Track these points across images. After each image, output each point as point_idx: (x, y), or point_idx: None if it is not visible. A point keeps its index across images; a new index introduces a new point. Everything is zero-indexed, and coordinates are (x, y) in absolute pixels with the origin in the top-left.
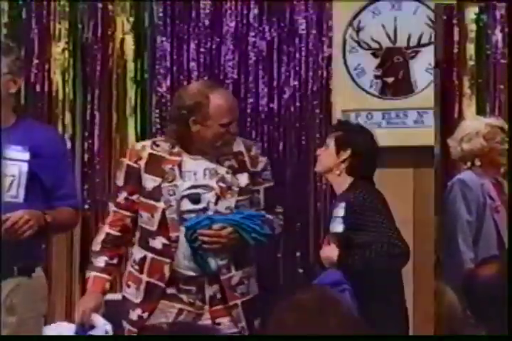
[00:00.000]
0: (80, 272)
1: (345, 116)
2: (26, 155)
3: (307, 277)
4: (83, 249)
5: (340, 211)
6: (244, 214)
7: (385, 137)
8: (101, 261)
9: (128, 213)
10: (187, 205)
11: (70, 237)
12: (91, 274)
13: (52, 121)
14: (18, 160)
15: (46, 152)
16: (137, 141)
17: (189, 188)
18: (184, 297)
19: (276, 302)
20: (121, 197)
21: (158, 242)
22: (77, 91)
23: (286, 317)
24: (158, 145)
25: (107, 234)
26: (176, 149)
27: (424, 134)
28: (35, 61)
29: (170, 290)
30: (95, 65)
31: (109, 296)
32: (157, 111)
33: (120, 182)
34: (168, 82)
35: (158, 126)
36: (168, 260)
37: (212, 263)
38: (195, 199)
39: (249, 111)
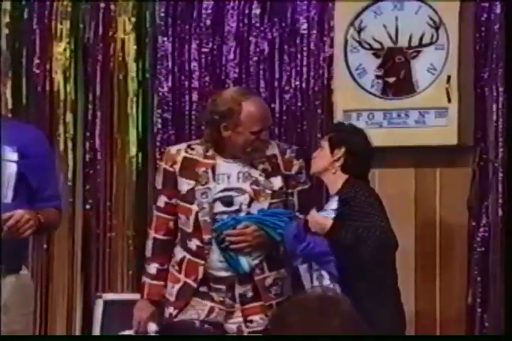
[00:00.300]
0: (82, 272)
1: (347, 116)
2: (15, 156)
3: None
4: (84, 249)
5: (333, 204)
6: (269, 212)
7: (386, 137)
8: (152, 268)
9: (169, 216)
10: (219, 207)
11: (71, 237)
12: (145, 281)
13: (53, 120)
14: (7, 160)
15: (34, 152)
16: (138, 141)
17: (222, 191)
18: (215, 295)
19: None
20: (161, 201)
21: (193, 244)
22: (79, 91)
23: (288, 317)
24: (193, 149)
25: (154, 239)
26: (210, 152)
27: (425, 134)
28: (37, 61)
29: (202, 289)
30: (97, 65)
31: (110, 296)
32: (159, 111)
33: (159, 185)
34: (170, 82)
35: (160, 126)
36: (201, 261)
37: (245, 263)
38: (227, 201)
39: None
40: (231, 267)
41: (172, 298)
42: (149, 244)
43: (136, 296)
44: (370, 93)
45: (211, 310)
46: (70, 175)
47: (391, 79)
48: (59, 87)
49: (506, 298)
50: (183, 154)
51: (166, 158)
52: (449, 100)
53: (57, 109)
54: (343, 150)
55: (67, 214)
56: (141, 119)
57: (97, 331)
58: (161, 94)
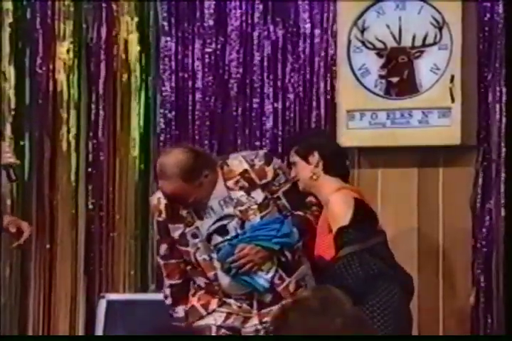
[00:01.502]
0: (85, 272)
1: (350, 115)
2: None
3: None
4: (87, 249)
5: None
6: (257, 226)
7: (389, 137)
8: (180, 312)
9: (178, 260)
10: (217, 239)
11: (74, 237)
12: (176, 324)
13: (56, 120)
14: None
15: None
16: (141, 140)
17: (212, 224)
18: (233, 302)
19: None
20: (163, 249)
21: (201, 281)
22: (82, 91)
23: (290, 317)
24: None
25: (171, 285)
26: None
27: (428, 134)
28: (40, 61)
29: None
30: (100, 65)
31: (113, 297)
32: (161, 111)
33: (157, 236)
34: (173, 82)
35: (163, 126)
36: (215, 296)
37: (262, 280)
38: (222, 231)
39: (254, 111)
40: (252, 288)
41: (178, 315)
42: (166, 292)
43: (139, 296)
44: (374, 93)
45: (228, 317)
46: (73, 175)
47: (394, 79)
48: (62, 86)
49: (509, 297)
50: (163, 202)
51: (152, 210)
52: (453, 100)
53: (60, 108)
54: (316, 155)
55: (70, 214)
56: (144, 119)
57: (99, 331)
58: (164, 94)
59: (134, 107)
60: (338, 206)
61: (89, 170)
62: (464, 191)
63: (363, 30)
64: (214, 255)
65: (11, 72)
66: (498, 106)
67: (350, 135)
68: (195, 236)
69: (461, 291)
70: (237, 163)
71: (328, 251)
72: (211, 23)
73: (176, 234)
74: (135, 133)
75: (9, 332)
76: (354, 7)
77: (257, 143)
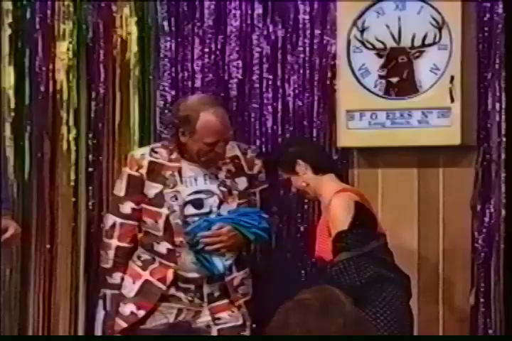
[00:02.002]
0: (85, 272)
1: (350, 116)
2: None
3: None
4: (87, 249)
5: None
6: (241, 212)
7: (389, 137)
8: (117, 278)
9: (135, 223)
10: (190, 210)
11: (74, 236)
12: (107, 292)
13: (56, 120)
14: None
15: None
16: (141, 140)
17: (191, 194)
18: (182, 295)
19: (281, 303)
20: (127, 207)
21: (162, 247)
22: (82, 90)
23: (290, 317)
24: (156, 152)
25: (118, 248)
26: (175, 156)
27: (428, 134)
28: (40, 61)
29: (169, 291)
30: (99, 65)
31: None
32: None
33: (122, 192)
34: (173, 82)
35: (163, 126)
36: (172, 264)
37: (219, 264)
38: (198, 204)
39: (253, 111)
40: (206, 269)
41: (131, 294)
42: (110, 254)
43: None
44: (373, 93)
45: (179, 312)
46: (72, 175)
47: (394, 79)
48: (62, 86)
49: (509, 297)
50: (148, 158)
51: (130, 163)
52: (452, 100)
53: (60, 108)
54: (300, 162)
55: (70, 213)
56: (144, 120)
57: (99, 331)
58: (163, 94)
59: (134, 107)
60: (338, 209)
61: (89, 170)
62: (464, 191)
63: (362, 31)
64: (187, 223)
65: (10, 72)
66: (498, 106)
67: (350, 135)
68: (175, 198)
69: (460, 291)
70: (230, 147)
71: (328, 254)
72: (210, 23)
73: (151, 193)
74: (135, 133)
75: (9, 332)
76: (354, 7)
77: (257, 143)
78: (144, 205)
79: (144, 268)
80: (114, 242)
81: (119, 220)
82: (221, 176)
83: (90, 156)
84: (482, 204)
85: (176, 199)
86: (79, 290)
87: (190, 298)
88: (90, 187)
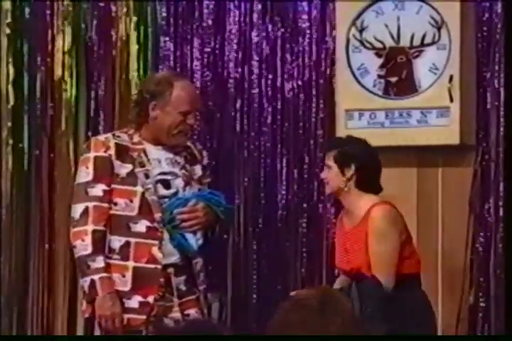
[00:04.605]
0: None
1: (349, 115)
2: None
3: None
4: None
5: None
6: (210, 191)
7: (388, 137)
8: (100, 262)
9: (108, 205)
10: (161, 190)
11: None
12: (94, 277)
13: (55, 120)
14: None
15: None
16: None
17: (159, 174)
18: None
19: (280, 302)
20: (98, 190)
21: (141, 226)
22: (81, 90)
23: (289, 316)
24: (119, 137)
25: (94, 231)
26: (136, 139)
27: (427, 134)
28: (39, 60)
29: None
30: (98, 65)
31: None
32: None
33: (90, 176)
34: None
35: None
36: (155, 241)
37: (193, 242)
38: (166, 184)
39: (252, 110)
40: (182, 247)
41: (127, 288)
42: (87, 240)
43: None
44: (372, 92)
45: (152, 309)
46: (72, 175)
47: (393, 79)
48: (61, 86)
49: (508, 297)
50: (113, 141)
51: (95, 146)
52: (451, 100)
53: (58, 108)
54: (353, 167)
55: (69, 213)
56: None
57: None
58: None
59: (133, 106)
60: (382, 224)
61: None
62: (463, 190)
63: (361, 30)
64: (162, 199)
65: (9, 71)
66: (496, 105)
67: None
68: (147, 176)
69: (460, 291)
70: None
71: (369, 267)
72: (210, 22)
73: (122, 172)
74: None
75: (8, 332)
76: (353, 7)
77: (256, 142)
78: (115, 186)
79: (124, 258)
80: (90, 227)
81: (91, 204)
82: (181, 161)
83: None
84: (481, 203)
85: (148, 177)
86: (78, 290)
87: (160, 294)
88: None
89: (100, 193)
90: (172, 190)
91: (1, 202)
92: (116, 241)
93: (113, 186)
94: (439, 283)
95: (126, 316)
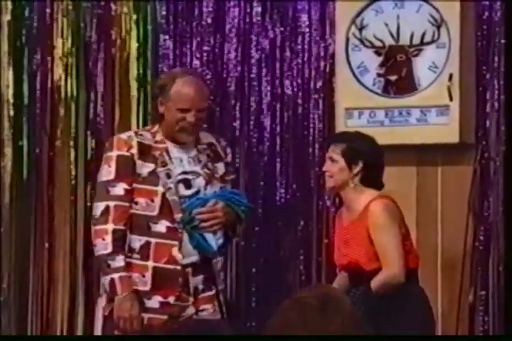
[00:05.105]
0: (83, 270)
1: (348, 114)
2: None
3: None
4: (86, 249)
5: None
6: (229, 191)
7: (387, 135)
8: (120, 261)
9: (129, 204)
10: (182, 190)
11: (73, 235)
12: (114, 276)
13: (55, 119)
14: None
15: None
16: None
17: (180, 174)
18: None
19: (280, 301)
20: (120, 189)
21: (161, 226)
22: (80, 89)
23: (289, 315)
24: (141, 135)
25: (114, 231)
26: (159, 137)
27: (427, 132)
28: (38, 59)
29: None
30: (98, 64)
31: None
32: None
33: (112, 175)
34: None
35: None
36: (175, 242)
37: (213, 242)
38: (187, 184)
39: (252, 109)
40: (202, 247)
41: (147, 287)
42: (107, 239)
43: None
44: (372, 91)
45: (169, 309)
46: (71, 174)
47: (393, 78)
48: (60, 85)
49: (508, 296)
50: (135, 139)
51: (117, 145)
52: (451, 98)
53: (58, 107)
54: (360, 164)
55: (69, 212)
56: (143, 117)
57: (98, 329)
58: None
59: (133, 105)
60: (382, 217)
61: (88, 168)
62: (463, 189)
63: (361, 29)
64: (183, 199)
65: (9, 70)
66: (496, 104)
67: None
68: (169, 176)
69: (459, 289)
70: (205, 135)
71: (367, 261)
72: (209, 21)
73: (144, 172)
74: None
75: (8, 331)
76: (352, 5)
77: (255, 141)
78: (136, 185)
79: (143, 258)
80: (110, 226)
81: (112, 203)
82: (203, 159)
83: (89, 155)
84: (480, 201)
85: (169, 177)
86: (78, 289)
87: (177, 293)
88: (89, 186)
89: (121, 192)
90: (193, 190)
91: (1, 200)
92: (137, 241)
93: (134, 185)
94: (439, 281)
95: (146, 316)
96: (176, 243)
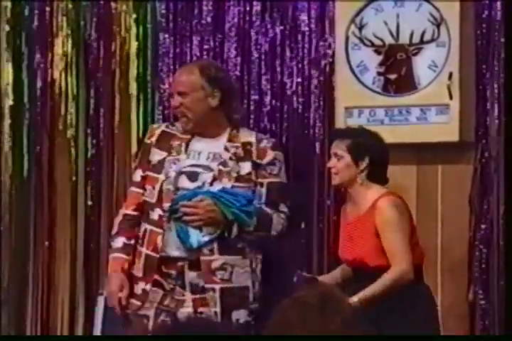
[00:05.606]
0: (83, 269)
1: (348, 112)
2: None
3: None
4: (86, 247)
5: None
6: (228, 190)
7: (387, 134)
8: (119, 242)
9: (142, 190)
10: (184, 182)
11: (73, 234)
12: (111, 256)
13: (54, 118)
14: None
15: None
16: (139, 137)
17: (190, 166)
18: (165, 283)
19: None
20: (137, 175)
21: (155, 214)
22: (80, 88)
23: (289, 314)
24: (173, 125)
25: (124, 215)
26: (189, 129)
27: (427, 131)
28: (38, 58)
29: (154, 276)
30: (98, 62)
31: None
32: (160, 107)
33: (137, 161)
34: (171, 79)
35: (162, 123)
36: (160, 230)
37: (194, 237)
38: (192, 176)
39: (252, 107)
40: (180, 240)
41: (140, 274)
42: (117, 220)
43: None
44: (372, 90)
45: (164, 298)
46: (71, 173)
47: (392, 76)
48: (60, 84)
49: (508, 296)
50: (162, 128)
51: (147, 133)
52: (451, 97)
53: (58, 106)
54: (366, 160)
55: (69, 211)
56: (143, 116)
57: (98, 328)
58: (162, 91)
59: (133, 104)
60: (391, 214)
61: (88, 167)
62: (463, 188)
63: (361, 28)
64: (181, 190)
65: (9, 69)
66: (496, 102)
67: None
68: (173, 164)
69: (459, 288)
70: (248, 133)
71: (373, 257)
72: (209, 20)
73: (154, 159)
74: (134, 130)
75: (7, 331)
76: (352, 4)
77: None
78: (148, 172)
79: (142, 244)
80: (123, 211)
81: (130, 189)
82: (225, 157)
83: (89, 153)
84: (481, 200)
85: (175, 164)
86: (78, 289)
87: (171, 286)
88: (89, 185)
89: (138, 179)
90: (197, 183)
91: (0, 199)
92: (142, 227)
93: (146, 173)
94: (439, 280)
95: (131, 301)
96: (161, 231)
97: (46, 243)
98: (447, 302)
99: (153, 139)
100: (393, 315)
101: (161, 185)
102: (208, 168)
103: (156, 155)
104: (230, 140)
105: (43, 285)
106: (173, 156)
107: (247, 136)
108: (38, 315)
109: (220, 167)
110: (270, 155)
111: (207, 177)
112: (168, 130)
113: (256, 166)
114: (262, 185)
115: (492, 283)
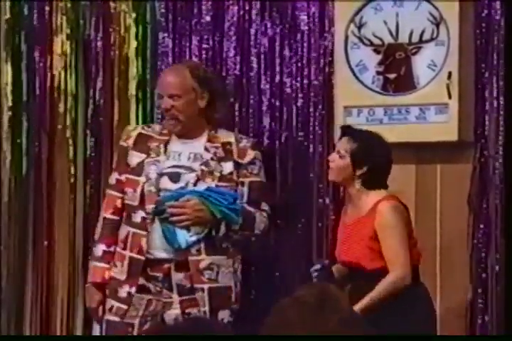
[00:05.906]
0: (83, 268)
1: (347, 112)
2: None
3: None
4: (85, 246)
5: None
6: (214, 189)
7: (386, 133)
8: (99, 250)
9: (118, 194)
10: (166, 183)
11: (72, 233)
12: (91, 265)
13: (54, 117)
14: None
15: None
16: None
17: (171, 167)
18: (151, 286)
19: (278, 300)
20: (113, 178)
21: (138, 216)
22: (79, 87)
23: (287, 313)
24: (149, 127)
25: (103, 218)
26: (166, 130)
27: (426, 130)
28: (37, 57)
29: (139, 281)
30: (97, 62)
31: None
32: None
33: (114, 164)
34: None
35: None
36: (144, 232)
37: (181, 237)
38: (174, 177)
39: (251, 107)
40: (167, 241)
41: (123, 277)
42: (99, 225)
43: None
44: (371, 89)
45: (149, 303)
46: (71, 172)
47: (392, 76)
48: (59, 83)
49: (507, 295)
50: (138, 130)
51: (122, 135)
52: (450, 96)
53: (57, 105)
54: (364, 169)
55: (68, 210)
56: (142, 115)
57: (97, 328)
58: None
59: (132, 103)
60: (390, 218)
61: (87, 166)
62: (462, 187)
63: (360, 27)
64: (164, 192)
65: (7, 68)
66: (495, 102)
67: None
68: (154, 166)
69: (458, 288)
70: (226, 133)
71: (369, 260)
72: (208, 19)
73: (133, 162)
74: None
75: (6, 331)
76: (351, 3)
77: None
78: (127, 175)
79: (124, 248)
80: (102, 213)
81: (107, 192)
82: (206, 157)
83: (88, 153)
84: (480, 200)
85: (155, 166)
86: (77, 288)
87: (158, 289)
88: (88, 184)
89: (113, 181)
90: (180, 184)
91: (0, 198)
92: (124, 230)
93: (125, 175)
94: (438, 280)
95: (116, 305)
96: (145, 233)
97: (45, 242)
98: (446, 301)
99: (130, 142)
100: (390, 315)
101: (143, 187)
102: (190, 169)
103: (135, 158)
104: (209, 140)
105: (42, 284)
106: (152, 158)
107: (226, 136)
108: (37, 314)
109: (203, 167)
110: (250, 154)
111: (189, 177)
112: (144, 132)
113: (237, 166)
114: (243, 184)
115: (491, 283)
